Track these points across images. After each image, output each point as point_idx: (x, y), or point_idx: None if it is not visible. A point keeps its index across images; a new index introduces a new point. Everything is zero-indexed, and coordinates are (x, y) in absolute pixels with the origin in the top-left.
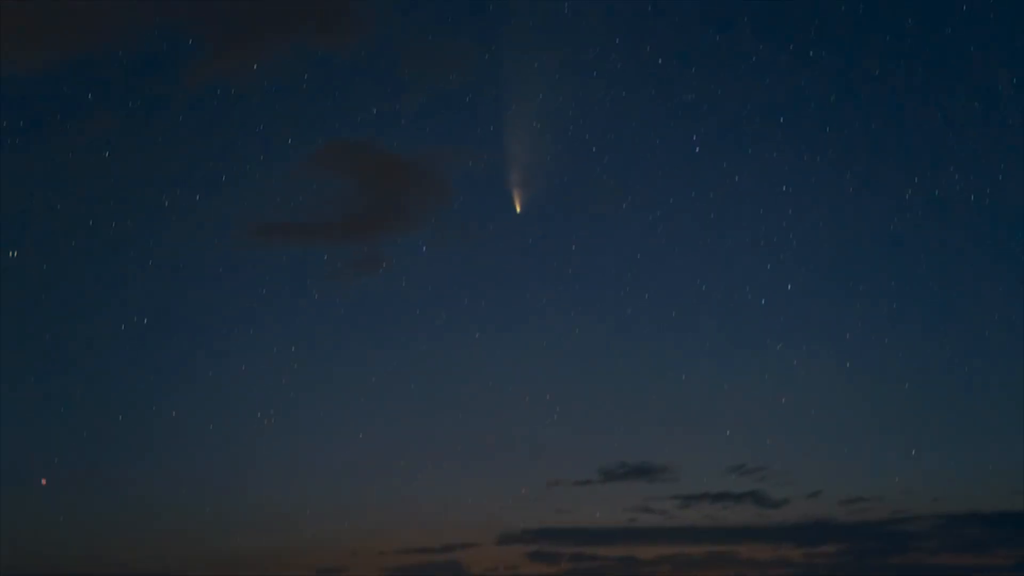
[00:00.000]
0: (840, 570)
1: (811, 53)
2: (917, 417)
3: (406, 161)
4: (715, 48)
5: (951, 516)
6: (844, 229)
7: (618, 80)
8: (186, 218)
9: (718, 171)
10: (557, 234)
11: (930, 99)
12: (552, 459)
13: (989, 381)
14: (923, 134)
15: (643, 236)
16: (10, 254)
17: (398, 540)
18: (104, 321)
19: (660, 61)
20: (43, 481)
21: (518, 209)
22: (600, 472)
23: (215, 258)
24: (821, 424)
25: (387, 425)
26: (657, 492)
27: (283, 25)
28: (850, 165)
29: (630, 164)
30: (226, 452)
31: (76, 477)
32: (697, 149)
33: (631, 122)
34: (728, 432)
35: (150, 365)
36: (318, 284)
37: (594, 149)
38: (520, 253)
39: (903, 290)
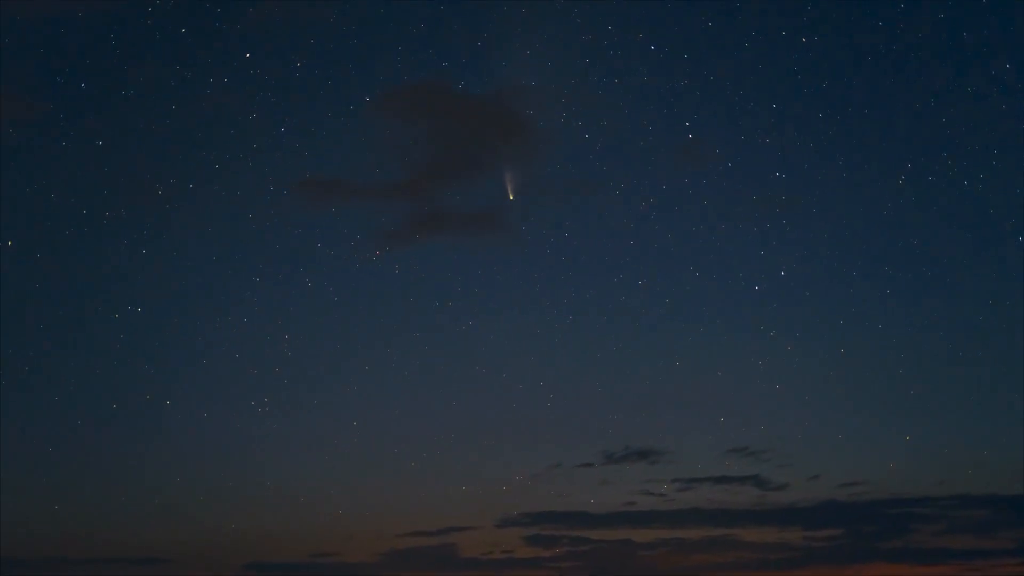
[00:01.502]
0: (840, 552)
1: (804, 39)
2: (912, 402)
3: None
4: (708, 34)
5: (959, 497)
6: (837, 215)
7: (610, 66)
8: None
9: (711, 157)
10: (550, 221)
11: (924, 84)
12: (550, 444)
13: (983, 367)
14: (916, 119)
15: (637, 223)
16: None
17: (394, 524)
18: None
19: (652, 47)
20: None
21: (511, 196)
22: (601, 455)
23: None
24: (818, 409)
25: (384, 409)
26: (658, 475)
27: None
28: (843, 151)
29: (623, 150)
30: (220, 436)
31: (71, 459)
32: (690, 135)
33: (623, 108)
34: (722, 419)
35: (155, 343)
36: (310, 265)
37: (587, 136)
38: (513, 240)
39: (897, 275)
